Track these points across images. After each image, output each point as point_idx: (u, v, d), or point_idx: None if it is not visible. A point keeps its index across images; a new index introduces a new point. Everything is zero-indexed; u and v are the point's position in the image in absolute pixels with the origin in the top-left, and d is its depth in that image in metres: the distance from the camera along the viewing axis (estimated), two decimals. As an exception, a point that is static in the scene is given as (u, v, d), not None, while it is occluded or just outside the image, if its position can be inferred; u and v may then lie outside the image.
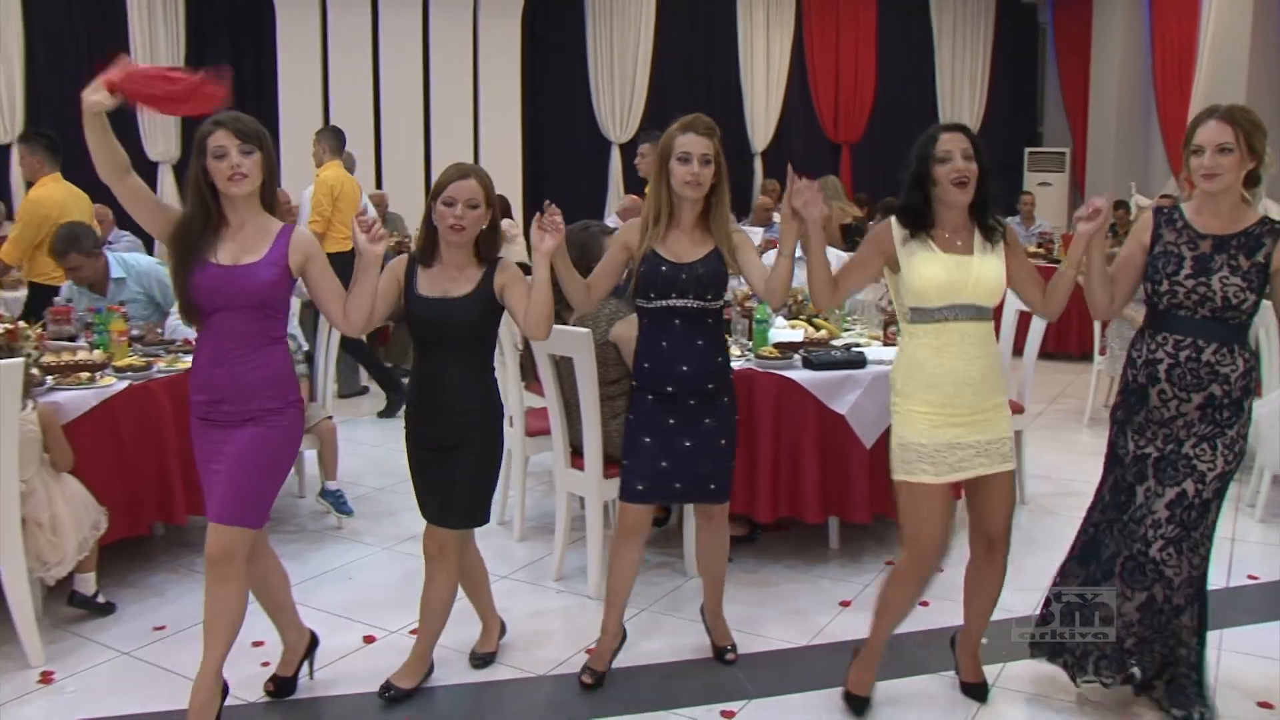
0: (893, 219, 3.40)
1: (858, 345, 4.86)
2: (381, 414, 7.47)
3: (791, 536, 5.02)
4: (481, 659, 3.91)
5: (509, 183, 11.90)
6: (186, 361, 4.73)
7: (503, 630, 4.02)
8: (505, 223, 9.60)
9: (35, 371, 4.34)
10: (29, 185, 6.53)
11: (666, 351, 3.61)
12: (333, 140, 8.00)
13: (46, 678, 3.77)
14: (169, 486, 4.61)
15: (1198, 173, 3.28)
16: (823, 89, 14.45)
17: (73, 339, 5.02)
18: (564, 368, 4.40)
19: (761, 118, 14.08)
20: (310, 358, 5.56)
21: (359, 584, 4.63)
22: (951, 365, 3.32)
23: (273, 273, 3.30)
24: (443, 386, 3.52)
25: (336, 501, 5.24)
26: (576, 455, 4.51)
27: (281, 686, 3.70)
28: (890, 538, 5.08)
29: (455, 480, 3.55)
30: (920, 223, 3.34)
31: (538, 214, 3.42)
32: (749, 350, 4.80)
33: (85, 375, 4.48)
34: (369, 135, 11.89)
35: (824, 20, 14.37)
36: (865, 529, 4.97)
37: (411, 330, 3.63)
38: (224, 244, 3.28)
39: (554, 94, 13.46)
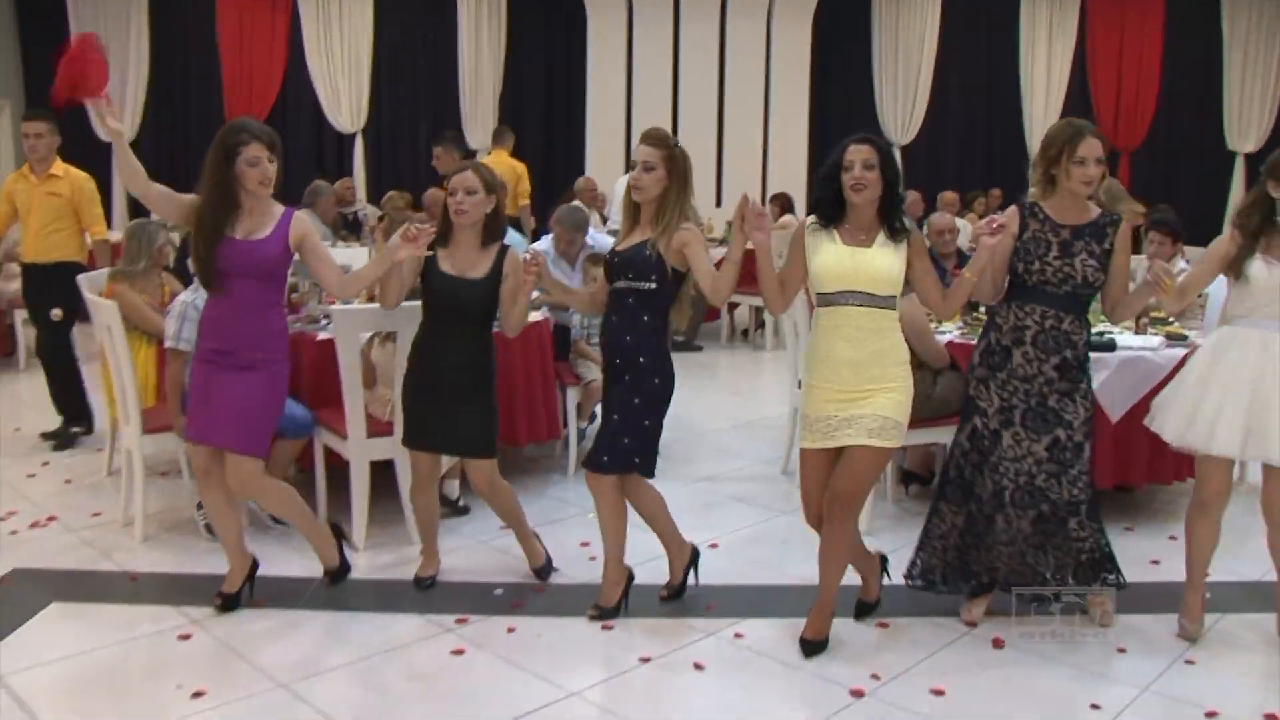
0: (809, 218, 3.94)
1: (1110, 332, 5.47)
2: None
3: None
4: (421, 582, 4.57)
5: (795, 181, 12.64)
6: (535, 315, 5.78)
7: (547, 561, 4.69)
8: (785, 218, 10.42)
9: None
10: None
11: (607, 325, 4.19)
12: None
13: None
14: (514, 416, 5.58)
15: (1079, 179, 3.92)
16: (1103, 94, 14.46)
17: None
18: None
19: (1040, 122, 14.14)
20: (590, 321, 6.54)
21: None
22: (836, 345, 3.80)
23: (276, 248, 4.03)
24: (452, 348, 4.29)
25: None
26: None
27: (225, 602, 4.27)
28: (1131, 505, 5.68)
29: (470, 422, 4.32)
30: (828, 217, 3.87)
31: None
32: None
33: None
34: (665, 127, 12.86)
35: (1108, 25, 14.37)
36: (1106, 495, 5.55)
37: (427, 300, 4.34)
38: (239, 223, 4.02)
39: (840, 96, 13.99)
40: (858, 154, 3.77)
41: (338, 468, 5.10)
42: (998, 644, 4.08)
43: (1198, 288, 4.24)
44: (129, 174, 4.04)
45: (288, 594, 4.41)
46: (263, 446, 4.15)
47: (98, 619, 4.17)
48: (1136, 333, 5.56)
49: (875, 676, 3.80)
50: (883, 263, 3.79)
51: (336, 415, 4.88)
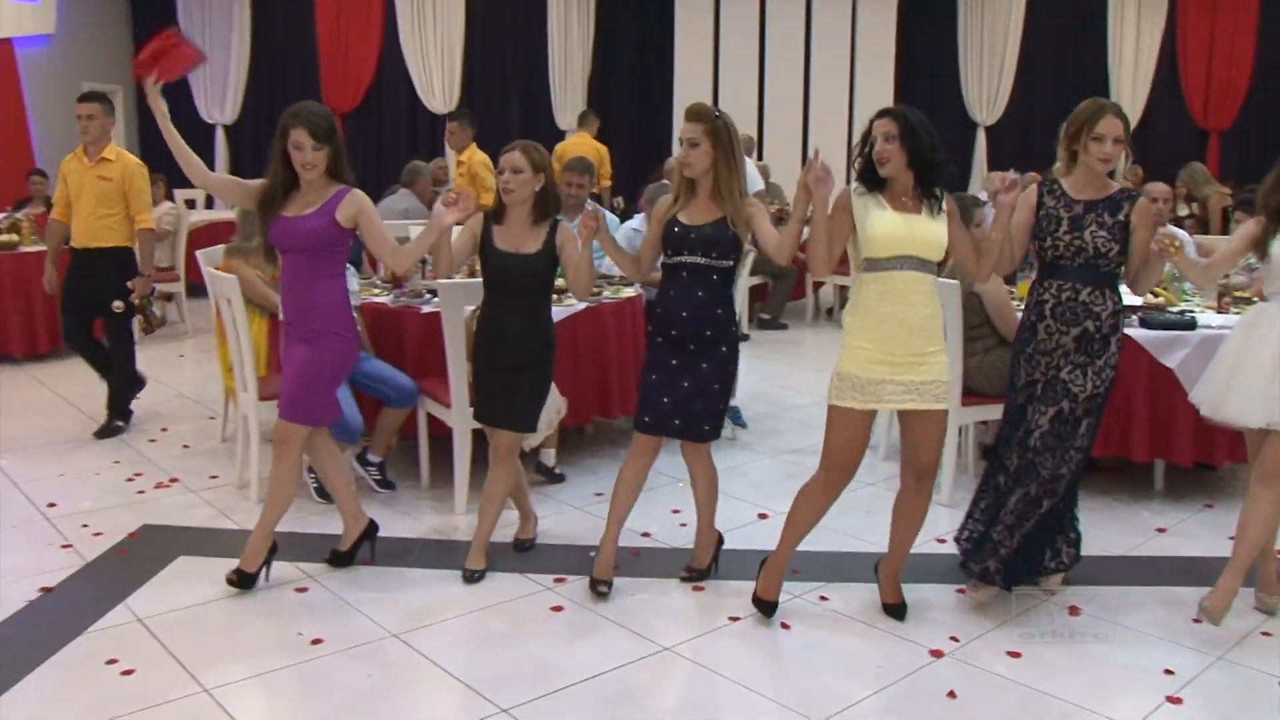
0: (854, 184, 3.99)
1: (1192, 311, 5.54)
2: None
3: (1122, 474, 5.77)
4: (521, 544, 4.78)
5: (879, 160, 12.71)
6: (629, 291, 6.03)
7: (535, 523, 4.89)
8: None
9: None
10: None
11: (673, 300, 4.20)
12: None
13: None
14: (608, 389, 5.83)
15: (1096, 155, 4.03)
16: (1193, 75, 14.25)
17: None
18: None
19: (1128, 103, 13.90)
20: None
21: (752, 479, 5.77)
22: (892, 310, 3.84)
23: (320, 222, 4.13)
24: (510, 322, 4.40)
25: (734, 415, 6.43)
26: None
27: (336, 559, 4.56)
28: (1211, 483, 5.76)
29: (518, 394, 4.44)
30: (872, 185, 3.93)
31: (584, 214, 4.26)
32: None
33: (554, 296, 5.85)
34: (753, 115, 12.99)
35: (1200, 4, 14.15)
36: (1188, 473, 5.65)
37: (485, 276, 4.48)
38: (293, 202, 4.18)
39: (925, 76, 14.01)
40: (880, 127, 3.89)
41: (441, 436, 5.36)
42: (1074, 612, 4.22)
43: (1226, 267, 4.35)
44: (185, 163, 4.25)
45: (396, 553, 4.68)
46: (309, 415, 4.29)
47: (221, 571, 4.46)
48: (1219, 312, 5.64)
49: (954, 639, 3.97)
50: (934, 230, 3.89)
51: (440, 385, 5.15)
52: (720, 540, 4.55)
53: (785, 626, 4.08)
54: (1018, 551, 4.19)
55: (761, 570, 4.21)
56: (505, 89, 14.05)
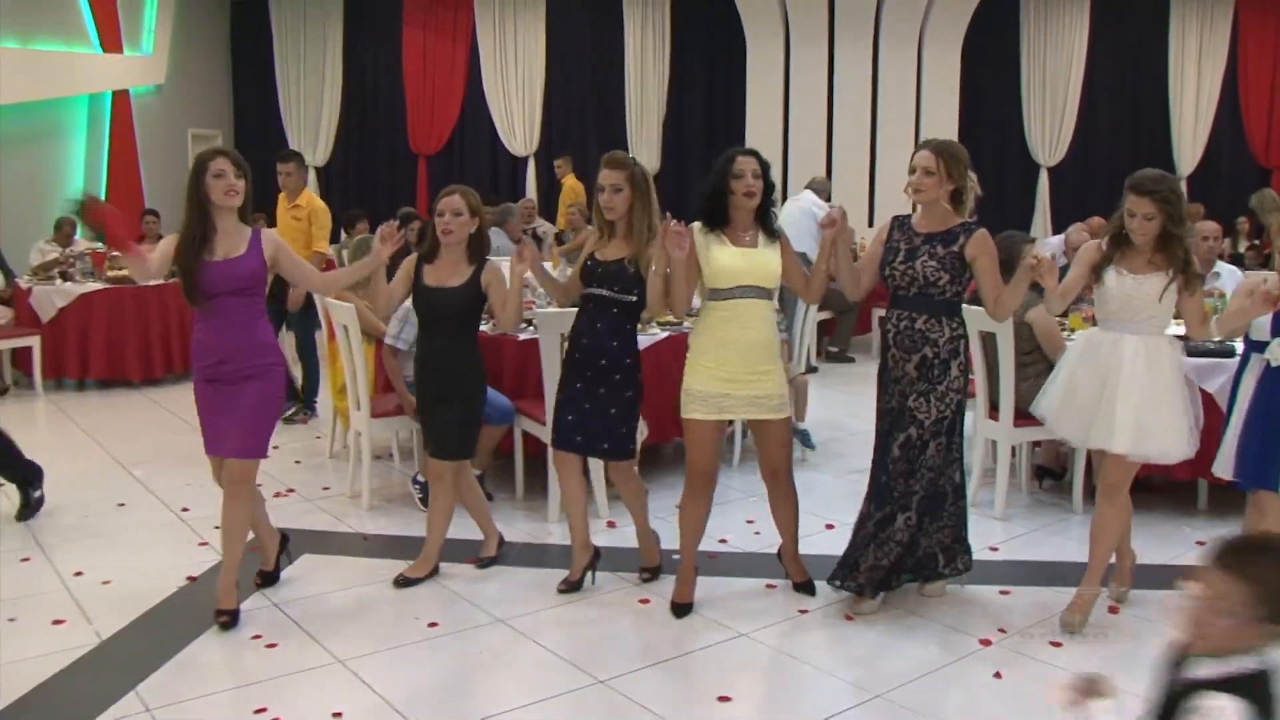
0: (696, 224, 4.38)
1: (1229, 341, 5.91)
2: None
3: (1166, 493, 6.09)
4: (483, 561, 5.06)
5: (941, 200, 13.07)
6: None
7: (501, 541, 5.15)
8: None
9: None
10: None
11: (581, 328, 4.64)
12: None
13: (611, 524, 5.66)
14: (673, 411, 6.28)
15: (910, 187, 4.37)
16: (1255, 114, 14.31)
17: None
18: (988, 341, 5.81)
19: (1189, 141, 14.18)
20: (789, 327, 7.26)
21: (820, 495, 6.20)
22: (731, 333, 4.35)
23: (254, 262, 4.33)
24: (438, 354, 4.71)
25: (804, 437, 6.90)
26: (994, 409, 5.89)
27: (265, 578, 4.82)
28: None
29: (448, 424, 4.74)
30: (716, 222, 4.38)
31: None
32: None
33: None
34: (821, 156, 13.39)
35: (1261, 45, 14.24)
36: (1231, 493, 5.97)
37: (417, 311, 4.80)
38: (216, 245, 4.29)
39: (988, 119, 14.27)
40: (748, 164, 4.34)
41: (537, 456, 5.89)
42: (1113, 610, 4.62)
43: (1072, 294, 4.53)
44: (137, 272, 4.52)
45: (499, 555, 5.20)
46: (263, 449, 4.46)
47: (341, 568, 5.03)
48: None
49: (1001, 630, 4.39)
50: (770, 261, 4.38)
51: (535, 405, 5.67)
52: (597, 553, 4.91)
53: (848, 619, 4.53)
54: (883, 565, 4.47)
55: (676, 580, 4.64)
56: (584, 131, 14.65)
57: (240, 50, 15.16)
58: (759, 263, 4.37)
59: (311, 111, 14.92)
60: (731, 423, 6.78)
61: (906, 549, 4.47)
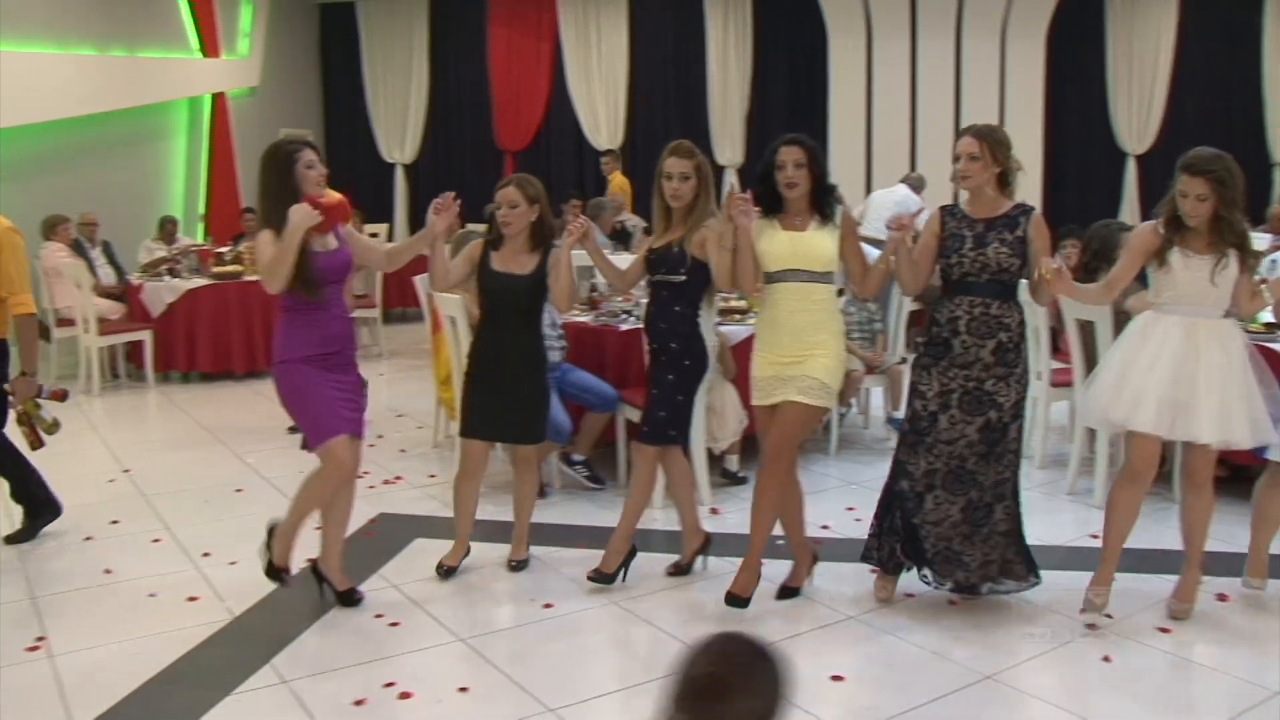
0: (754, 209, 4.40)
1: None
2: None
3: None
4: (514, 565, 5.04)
5: (1031, 191, 12.91)
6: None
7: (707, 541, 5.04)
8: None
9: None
10: None
11: (649, 315, 4.74)
12: None
13: (715, 510, 5.78)
14: None
15: (957, 174, 4.37)
16: None
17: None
18: (1086, 329, 5.83)
19: None
20: (884, 318, 7.34)
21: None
22: (777, 316, 4.41)
23: (348, 250, 4.49)
24: (507, 339, 4.76)
25: (896, 423, 6.96)
26: (1091, 398, 5.92)
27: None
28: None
29: (527, 407, 4.80)
30: (770, 209, 4.44)
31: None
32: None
33: (736, 316, 6.50)
34: (905, 149, 13.38)
35: None
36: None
37: (482, 297, 4.80)
38: (315, 238, 4.31)
39: (1074, 108, 14.06)
40: (789, 155, 4.36)
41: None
42: (1222, 598, 4.64)
43: (1122, 283, 4.48)
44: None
45: (603, 539, 5.33)
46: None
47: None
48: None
49: (1109, 616, 4.44)
50: (819, 244, 4.39)
51: (638, 394, 5.79)
52: (708, 540, 5.00)
53: (951, 603, 4.61)
54: (993, 560, 4.46)
55: (740, 572, 4.56)
56: (667, 126, 14.74)
57: (330, 52, 15.49)
58: (807, 246, 4.39)
59: (399, 110, 15.20)
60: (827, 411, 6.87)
61: (1011, 538, 4.49)
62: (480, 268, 4.79)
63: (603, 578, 4.75)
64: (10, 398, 5.21)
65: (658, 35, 14.74)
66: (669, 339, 4.68)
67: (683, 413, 4.75)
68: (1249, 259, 4.25)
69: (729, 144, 14.29)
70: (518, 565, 5.01)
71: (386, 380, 9.79)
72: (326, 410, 4.42)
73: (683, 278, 4.61)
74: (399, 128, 15.26)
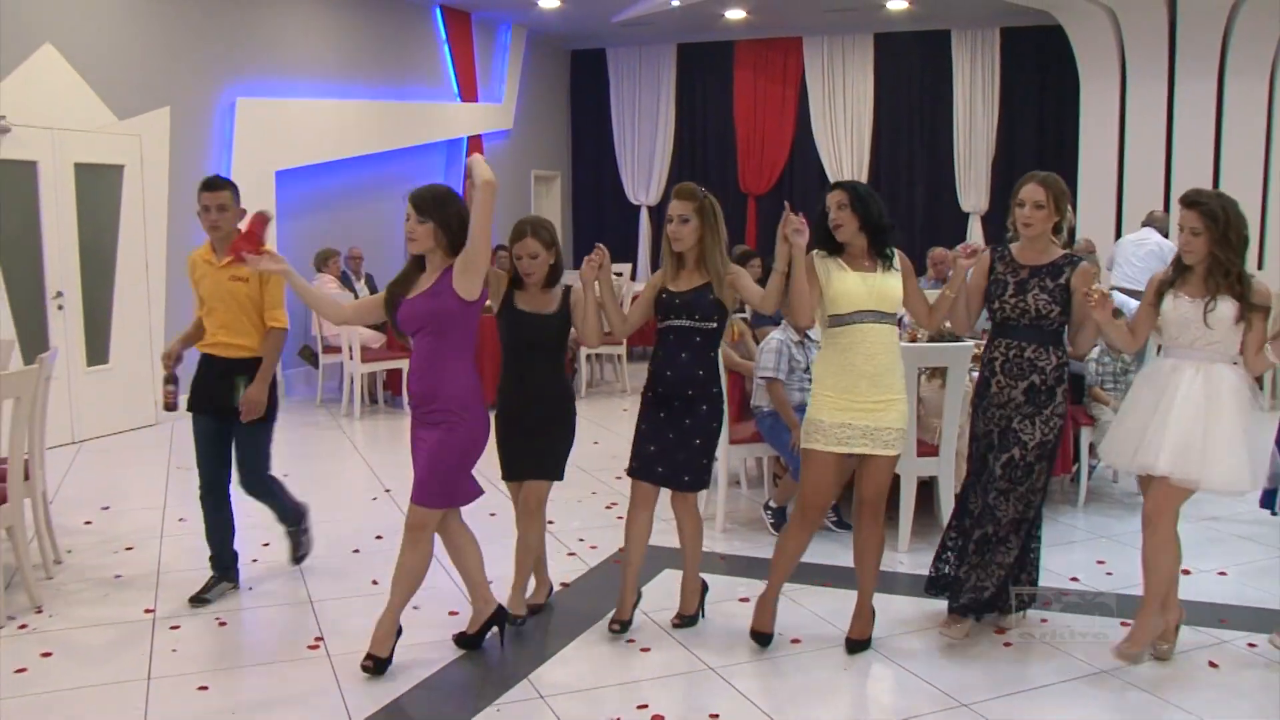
0: (815, 251, 4.35)
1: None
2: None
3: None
4: (533, 609, 4.93)
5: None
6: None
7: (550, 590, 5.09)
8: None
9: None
10: None
11: (661, 360, 4.55)
12: None
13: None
14: None
15: (1020, 220, 4.38)
16: None
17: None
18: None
19: None
20: (1140, 367, 7.08)
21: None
22: (853, 360, 4.28)
23: (433, 302, 4.12)
24: (534, 379, 4.66)
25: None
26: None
27: (462, 642, 4.55)
28: None
29: (552, 445, 4.69)
30: (831, 249, 4.34)
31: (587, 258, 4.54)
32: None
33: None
34: (1159, 195, 12.88)
35: None
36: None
37: (507, 336, 4.68)
38: (415, 284, 4.25)
39: None
40: (833, 199, 4.37)
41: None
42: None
43: (1147, 327, 4.39)
44: (315, 307, 4.72)
45: (843, 578, 5.34)
46: (436, 499, 4.28)
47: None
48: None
49: (1223, 621, 4.19)
50: (890, 285, 4.34)
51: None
52: (705, 588, 4.92)
53: (1042, 620, 4.44)
54: (986, 588, 4.53)
55: (756, 608, 4.62)
56: (911, 172, 14.69)
57: (579, 97, 16.10)
58: (879, 288, 4.33)
59: (645, 153, 15.63)
60: (1078, 459, 6.68)
61: (1010, 572, 4.58)
62: (504, 307, 4.73)
63: (686, 621, 4.84)
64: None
65: (903, 80, 14.77)
66: (710, 384, 4.59)
67: (704, 459, 4.68)
68: (1250, 309, 4.15)
69: (974, 189, 14.15)
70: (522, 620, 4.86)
71: (630, 415, 9.99)
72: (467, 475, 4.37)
73: (715, 324, 4.56)
74: (645, 170, 15.69)
